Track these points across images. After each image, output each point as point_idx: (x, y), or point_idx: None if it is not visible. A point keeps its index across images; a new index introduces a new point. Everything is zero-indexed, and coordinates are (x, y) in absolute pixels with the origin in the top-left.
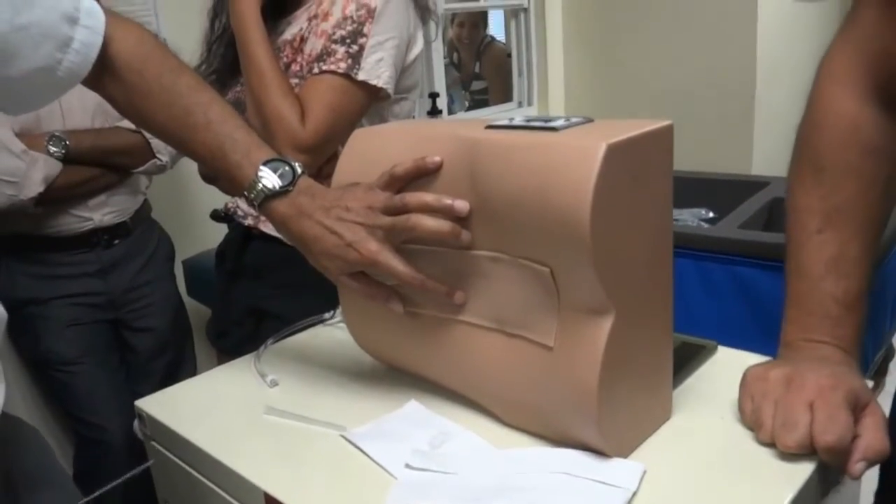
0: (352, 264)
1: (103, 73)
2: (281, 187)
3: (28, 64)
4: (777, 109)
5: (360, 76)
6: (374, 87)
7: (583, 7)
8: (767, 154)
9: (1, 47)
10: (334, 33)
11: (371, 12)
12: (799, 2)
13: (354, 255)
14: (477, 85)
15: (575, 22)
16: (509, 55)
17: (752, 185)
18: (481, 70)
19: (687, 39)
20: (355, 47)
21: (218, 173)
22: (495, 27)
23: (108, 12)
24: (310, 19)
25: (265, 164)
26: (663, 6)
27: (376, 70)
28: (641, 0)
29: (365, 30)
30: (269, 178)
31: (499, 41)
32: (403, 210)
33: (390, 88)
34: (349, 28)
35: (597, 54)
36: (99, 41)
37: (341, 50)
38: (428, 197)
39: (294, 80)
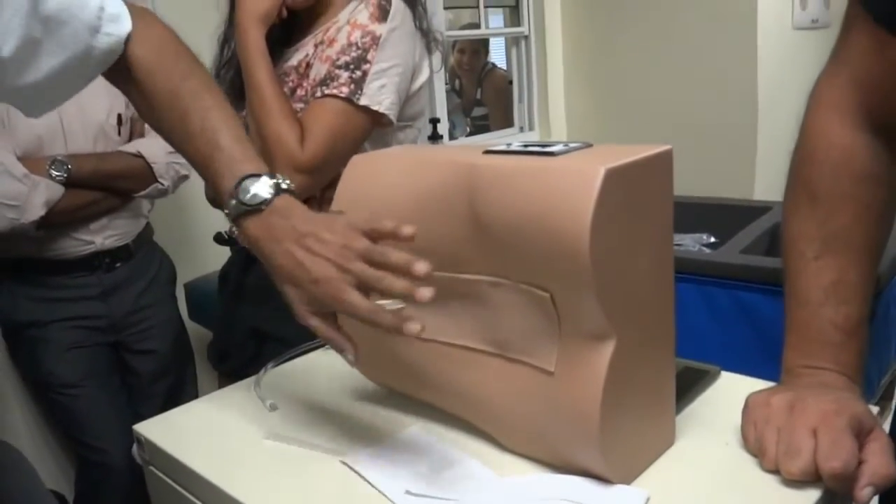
0: (318, 301)
1: (119, 73)
2: (254, 204)
3: (43, 73)
4: (779, 134)
5: (362, 101)
6: (376, 112)
7: (583, 34)
8: (770, 178)
9: (23, 60)
10: (338, 59)
11: (376, 40)
12: (798, 30)
13: (321, 292)
14: (478, 111)
15: (575, 49)
16: (510, 82)
17: (753, 211)
18: (482, 96)
19: (687, 65)
20: (358, 73)
21: (207, 183)
22: (496, 54)
23: (135, 10)
24: (316, 45)
25: (248, 177)
26: (663, 33)
27: (378, 96)
28: (641, 26)
29: (369, 56)
30: (246, 193)
31: (500, 68)
32: (382, 266)
33: (392, 115)
34: (353, 54)
35: (597, 80)
36: (119, 48)
37: (344, 75)
38: (404, 258)
39: (299, 105)
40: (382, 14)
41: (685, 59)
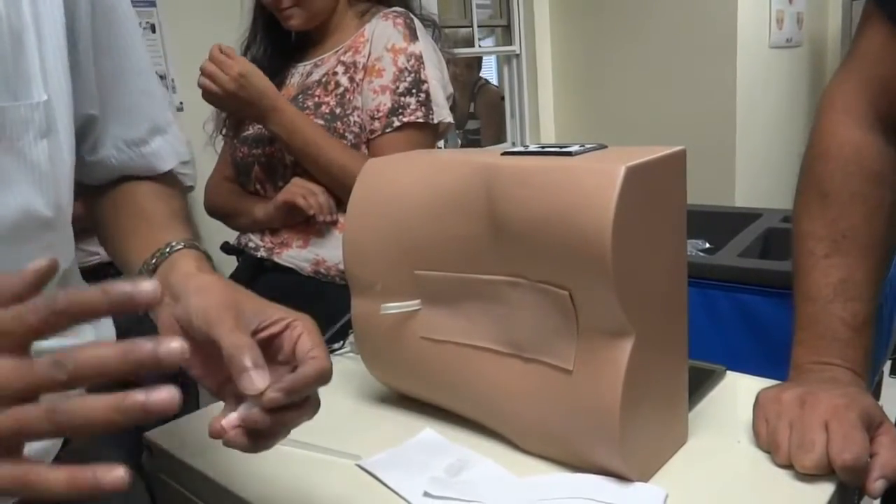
0: None
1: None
2: None
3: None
4: (756, 145)
5: (436, 119)
6: (445, 122)
7: (572, 53)
8: (749, 188)
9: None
10: (398, 87)
11: (419, 58)
12: (773, 48)
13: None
14: (471, 125)
15: (564, 67)
16: (503, 98)
17: (745, 217)
18: (475, 110)
19: (671, 82)
20: (422, 95)
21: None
22: (485, 72)
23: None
24: (344, 64)
25: None
26: (649, 51)
27: (443, 108)
28: (627, 45)
29: (423, 76)
30: None
31: (492, 84)
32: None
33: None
34: (409, 78)
35: (585, 98)
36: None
37: (413, 101)
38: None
39: (319, 122)
40: (412, 33)
41: (669, 76)
